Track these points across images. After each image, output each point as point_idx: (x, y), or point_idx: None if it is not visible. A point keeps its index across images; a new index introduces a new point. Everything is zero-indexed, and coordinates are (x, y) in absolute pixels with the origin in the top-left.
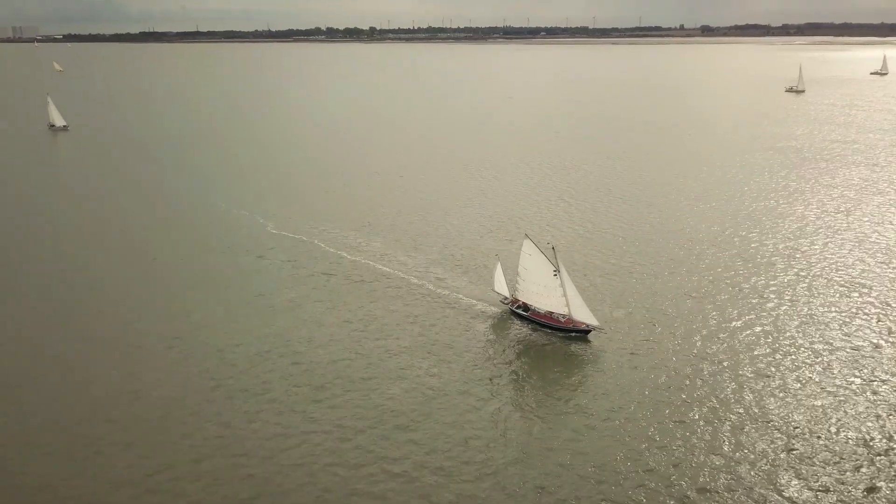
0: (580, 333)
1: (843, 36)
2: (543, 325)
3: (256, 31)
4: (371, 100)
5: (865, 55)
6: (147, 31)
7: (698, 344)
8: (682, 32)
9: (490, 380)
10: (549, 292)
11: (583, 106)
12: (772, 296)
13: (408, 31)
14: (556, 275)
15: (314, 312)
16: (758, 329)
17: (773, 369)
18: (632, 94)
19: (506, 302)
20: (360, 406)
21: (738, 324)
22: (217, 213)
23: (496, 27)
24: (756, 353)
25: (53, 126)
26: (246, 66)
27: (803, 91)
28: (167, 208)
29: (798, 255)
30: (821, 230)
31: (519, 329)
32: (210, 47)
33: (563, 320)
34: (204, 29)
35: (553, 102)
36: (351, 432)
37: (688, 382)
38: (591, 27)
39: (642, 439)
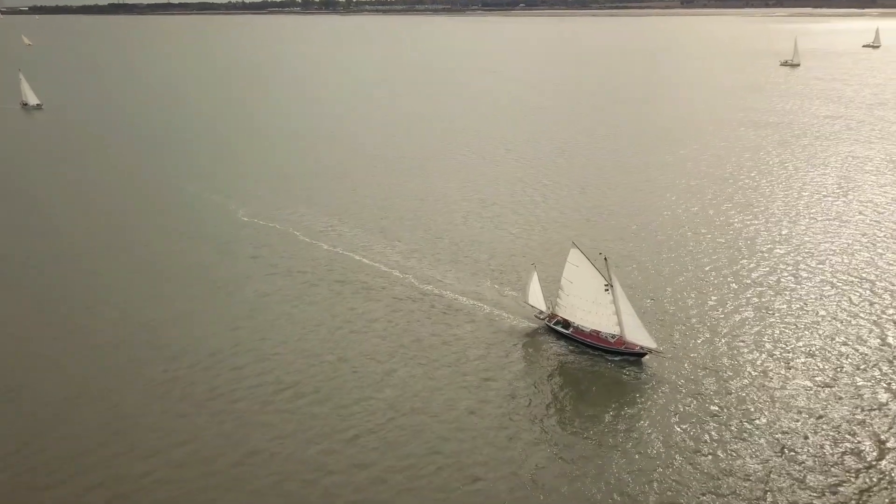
0: (633, 357)
1: (822, 7)
2: (588, 346)
3: (231, 2)
4: (359, 76)
5: (853, 27)
6: (116, 2)
7: (774, 371)
8: (661, 3)
9: (533, 416)
10: (598, 309)
11: (594, 82)
12: (871, 326)
13: (385, 2)
14: (607, 290)
15: (282, 314)
16: (852, 361)
17: (873, 416)
18: (629, 68)
19: (541, 317)
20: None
21: (825, 351)
22: (187, 198)
23: None
24: (849, 389)
25: (27, 105)
26: (221, 40)
27: (798, 65)
28: (137, 192)
29: None
30: None
31: (558, 348)
32: (183, 20)
33: (612, 340)
34: (176, 0)
35: (557, 77)
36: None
37: (760, 417)
38: None
39: (706, 486)
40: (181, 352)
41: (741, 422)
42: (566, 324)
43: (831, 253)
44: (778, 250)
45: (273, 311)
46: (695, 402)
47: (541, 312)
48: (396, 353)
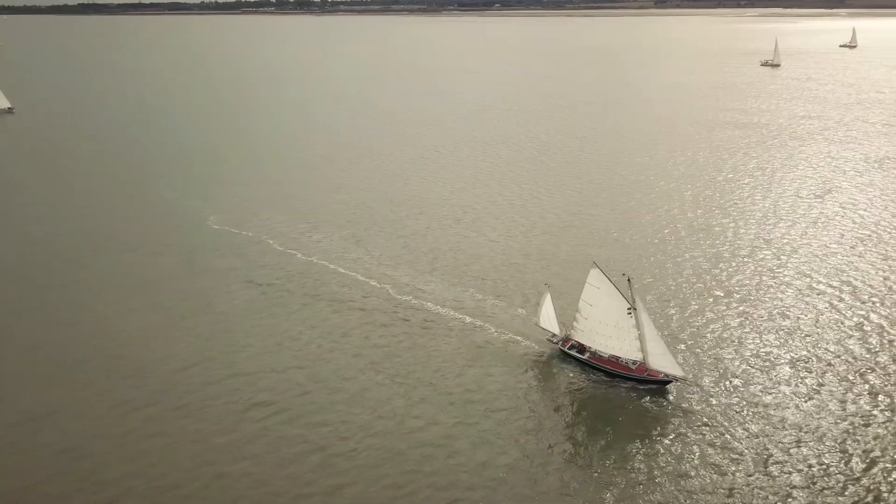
0: (656, 384)
1: (792, 7)
2: (606, 372)
3: (203, 2)
4: (335, 78)
5: (828, 27)
6: (86, 2)
7: (814, 403)
8: (635, 4)
9: (550, 447)
10: (619, 333)
11: (572, 83)
12: None
13: (361, 2)
14: (630, 313)
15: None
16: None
17: None
18: (608, 67)
19: (555, 340)
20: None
21: (870, 380)
22: (158, 204)
23: None
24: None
25: None
26: (195, 41)
27: (779, 65)
28: (106, 198)
29: None
30: None
31: (574, 375)
32: (155, 20)
33: (633, 367)
34: (147, 0)
35: (549, 78)
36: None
37: (793, 452)
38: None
39: None
40: (147, 369)
41: (773, 459)
42: (581, 348)
43: (868, 278)
44: (808, 268)
45: (243, 325)
46: (724, 436)
47: (553, 336)
48: (368, 370)
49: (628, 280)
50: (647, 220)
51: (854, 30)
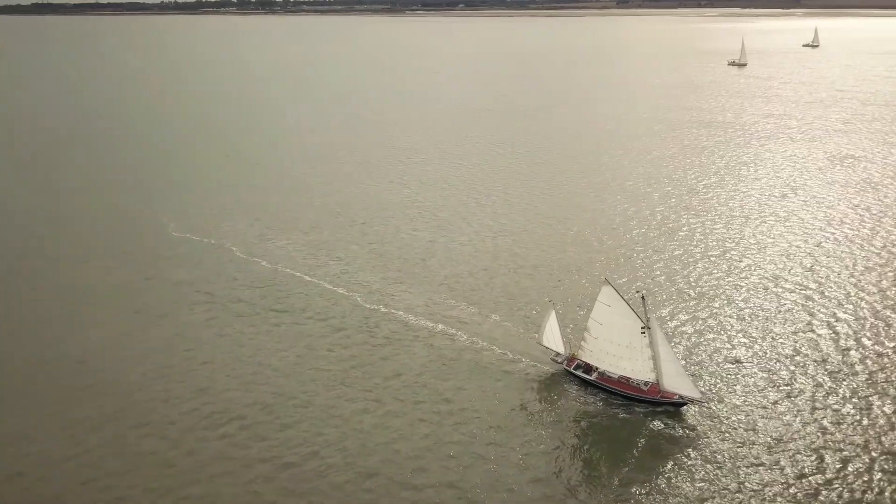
0: (671, 406)
1: (750, 7)
2: (615, 394)
3: (163, 2)
4: (300, 79)
5: (789, 26)
6: (40, 2)
7: (838, 427)
8: (598, 4)
9: (558, 473)
10: (632, 354)
11: (537, 83)
12: None
13: (324, 2)
14: (644, 332)
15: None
16: None
17: None
18: (582, 68)
19: (559, 360)
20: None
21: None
22: (116, 211)
23: None
24: None
25: None
26: (155, 42)
27: (745, 64)
28: (63, 205)
29: None
30: None
31: (582, 396)
32: (113, 20)
33: (645, 388)
34: (105, 0)
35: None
36: None
37: (819, 477)
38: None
39: None
40: (101, 387)
41: (796, 488)
42: (588, 368)
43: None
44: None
45: (203, 339)
46: (743, 461)
47: (557, 355)
48: (337, 385)
49: (642, 298)
50: (619, 222)
51: (816, 29)
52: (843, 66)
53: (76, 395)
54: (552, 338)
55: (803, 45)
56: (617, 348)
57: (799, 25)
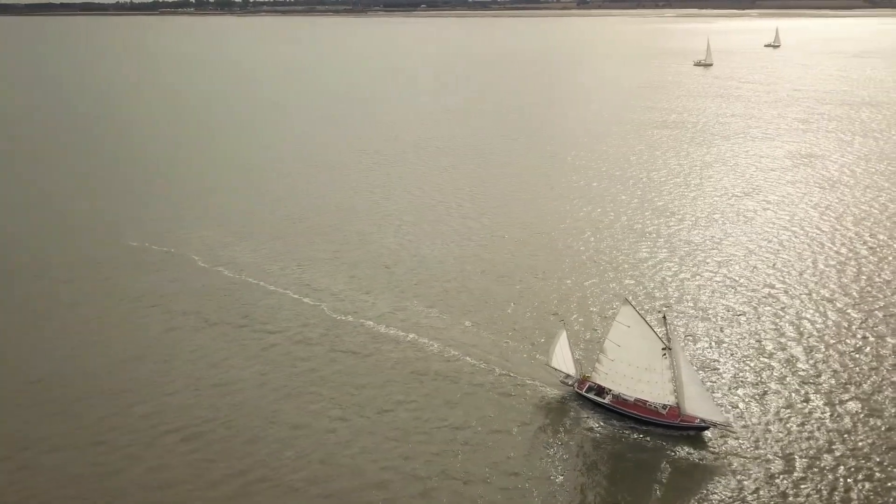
0: (691, 431)
1: (707, 8)
2: (631, 418)
3: (119, 2)
4: (262, 81)
5: (743, 26)
6: None
7: (872, 450)
8: (559, 5)
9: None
10: (650, 376)
11: (501, 85)
12: None
13: (284, 2)
14: (665, 354)
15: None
16: None
17: None
18: (544, 69)
19: (569, 382)
20: None
21: None
22: (69, 218)
23: None
24: None
25: None
26: (113, 44)
27: (711, 64)
28: (13, 213)
29: None
30: None
31: (595, 421)
32: (66, 21)
33: (663, 412)
34: (58, 1)
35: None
36: None
37: None
38: (470, 0)
39: None
40: (60, 405)
41: None
42: (600, 390)
43: None
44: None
45: (161, 354)
46: (772, 492)
47: (567, 377)
48: (300, 400)
49: (663, 317)
50: (584, 224)
51: (777, 30)
52: (802, 65)
53: (28, 414)
54: (562, 359)
55: (765, 46)
56: (635, 371)
57: (757, 26)
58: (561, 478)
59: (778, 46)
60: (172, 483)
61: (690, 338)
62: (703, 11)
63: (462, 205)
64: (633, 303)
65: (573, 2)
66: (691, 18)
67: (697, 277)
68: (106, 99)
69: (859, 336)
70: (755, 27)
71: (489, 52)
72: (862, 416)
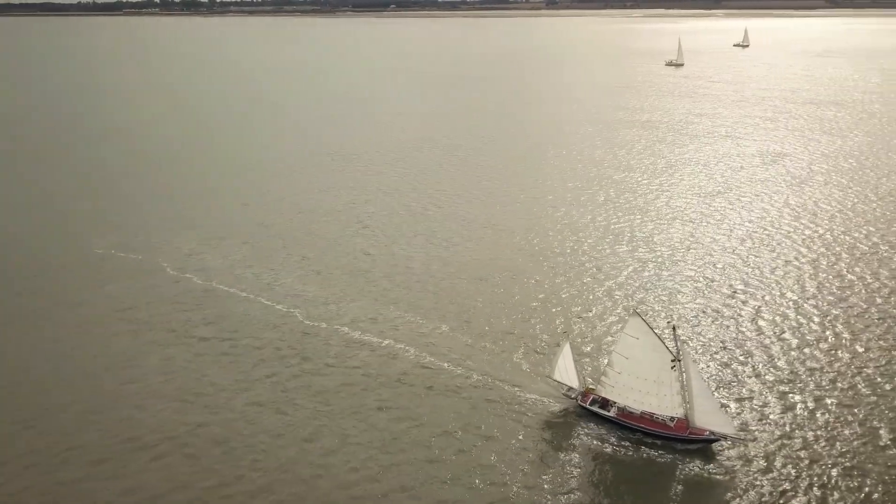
0: (700, 444)
1: (673, 8)
2: (638, 431)
3: (80, 2)
4: (235, 81)
5: (710, 26)
6: None
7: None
8: (528, 5)
9: None
10: (659, 389)
11: (475, 85)
12: None
13: (251, 2)
14: (674, 366)
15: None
16: None
17: None
18: (517, 70)
19: (572, 395)
20: None
21: None
22: (35, 226)
23: None
24: None
25: None
26: (77, 46)
27: (683, 64)
28: None
29: None
30: None
31: (600, 434)
32: (25, 21)
33: (671, 425)
34: (17, 1)
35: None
36: None
37: None
38: (440, 0)
39: None
40: (28, 420)
41: None
42: (605, 403)
43: None
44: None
45: (127, 367)
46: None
47: (570, 389)
48: (273, 412)
49: (673, 329)
50: (563, 225)
51: (746, 30)
52: (769, 65)
53: None
54: (565, 372)
55: (734, 45)
56: (643, 383)
57: (724, 26)
58: (575, 493)
59: (747, 46)
60: (144, 498)
61: (698, 348)
62: (670, 12)
63: (436, 204)
64: (643, 314)
65: (542, 2)
66: (659, 19)
67: (700, 284)
68: (71, 103)
69: (877, 350)
70: (722, 27)
71: (461, 54)
72: (878, 431)
